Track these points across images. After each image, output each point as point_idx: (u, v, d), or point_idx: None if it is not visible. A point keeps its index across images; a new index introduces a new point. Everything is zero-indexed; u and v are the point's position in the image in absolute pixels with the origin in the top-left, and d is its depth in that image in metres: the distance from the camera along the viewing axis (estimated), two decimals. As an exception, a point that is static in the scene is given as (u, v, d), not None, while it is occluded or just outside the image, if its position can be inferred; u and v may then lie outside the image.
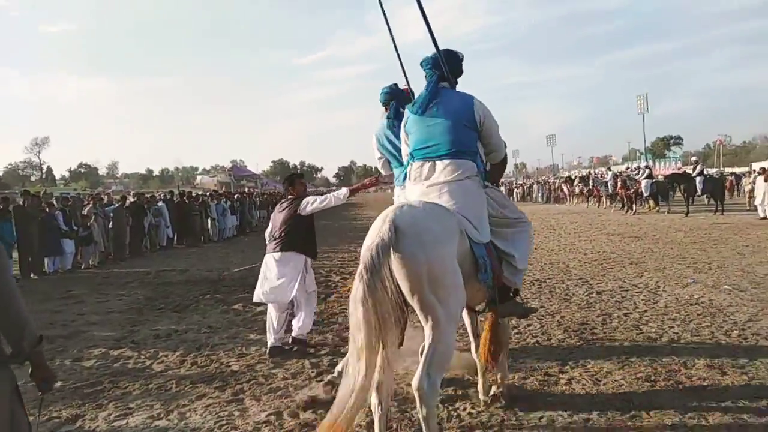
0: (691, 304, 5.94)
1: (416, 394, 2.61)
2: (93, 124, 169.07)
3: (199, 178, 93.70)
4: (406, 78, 4.10)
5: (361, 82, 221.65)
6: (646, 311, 5.77)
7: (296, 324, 5.03)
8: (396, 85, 4.15)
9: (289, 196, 5.26)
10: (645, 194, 20.14)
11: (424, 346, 2.71)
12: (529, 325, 5.39)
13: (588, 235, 13.63)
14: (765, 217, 15.18)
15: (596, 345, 4.67)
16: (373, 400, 2.67)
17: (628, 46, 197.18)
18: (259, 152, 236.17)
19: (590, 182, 26.98)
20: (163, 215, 15.37)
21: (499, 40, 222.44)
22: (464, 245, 2.85)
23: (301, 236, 5.02)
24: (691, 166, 20.54)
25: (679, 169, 33.24)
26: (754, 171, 20.20)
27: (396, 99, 4.04)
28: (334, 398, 2.69)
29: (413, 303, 2.67)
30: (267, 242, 5.21)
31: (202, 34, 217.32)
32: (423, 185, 3.10)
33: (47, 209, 11.57)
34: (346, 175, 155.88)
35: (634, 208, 20.32)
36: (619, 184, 21.25)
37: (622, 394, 3.57)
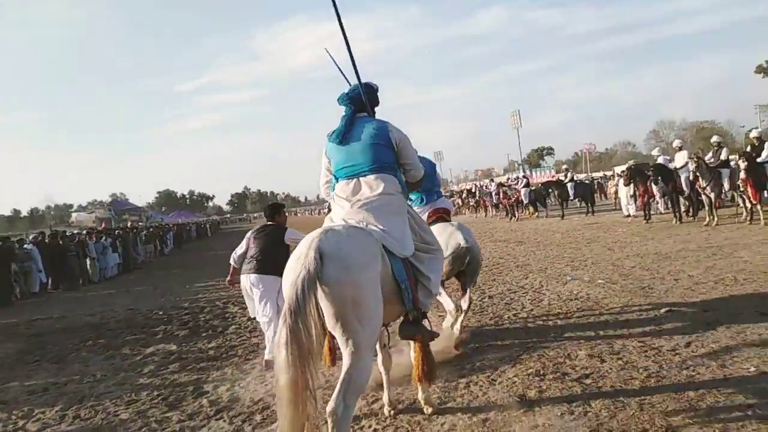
0: (571, 300, 6.45)
1: (329, 419, 2.57)
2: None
3: (74, 215, 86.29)
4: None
5: (249, 108, 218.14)
6: (532, 310, 6.17)
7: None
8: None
9: (269, 223, 5.45)
10: (525, 201, 21.69)
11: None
12: (428, 336, 5.53)
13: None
14: (628, 215, 16.94)
15: (491, 347, 4.90)
16: None
17: (501, 66, 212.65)
18: (143, 184, 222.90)
19: (476, 194, 28.54)
20: (34, 259, 13.89)
21: (386, 64, 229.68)
22: (386, 268, 2.92)
23: (280, 262, 4.89)
24: (563, 174, 22.46)
25: (552, 176, 36.21)
26: (616, 174, 22.55)
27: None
28: None
29: (336, 329, 2.69)
30: (235, 263, 5.35)
31: (70, 63, 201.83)
32: (349, 204, 3.18)
33: None
34: (240, 201, 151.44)
35: (516, 215, 21.77)
36: (501, 194, 22.73)
37: (516, 390, 3.78)
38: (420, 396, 3.60)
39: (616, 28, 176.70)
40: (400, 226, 3.13)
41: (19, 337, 8.15)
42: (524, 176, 25.78)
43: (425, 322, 3.24)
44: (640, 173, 15.27)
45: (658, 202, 15.65)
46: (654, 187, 14.07)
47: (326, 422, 2.61)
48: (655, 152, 15.93)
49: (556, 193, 20.61)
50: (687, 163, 12.78)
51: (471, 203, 30.70)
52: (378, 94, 3.57)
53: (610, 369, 4.00)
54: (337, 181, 3.37)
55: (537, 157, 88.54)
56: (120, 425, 4.02)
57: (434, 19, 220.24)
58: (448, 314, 5.09)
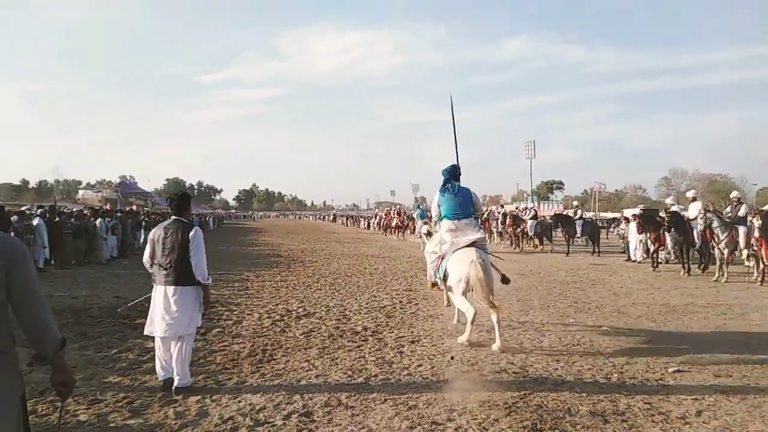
0: (574, 345, 6.11)
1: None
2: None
3: (81, 192, 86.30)
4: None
5: (266, 107, 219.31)
6: (532, 351, 5.83)
7: (178, 369, 4.43)
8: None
9: (174, 217, 4.65)
10: (531, 233, 21.34)
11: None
12: (419, 366, 5.21)
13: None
14: (633, 260, 16.57)
15: (485, 388, 4.56)
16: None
17: (518, 96, 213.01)
18: (153, 169, 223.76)
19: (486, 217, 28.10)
20: (39, 233, 13.57)
21: (403, 78, 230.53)
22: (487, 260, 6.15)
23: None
24: (572, 210, 22.13)
25: (561, 211, 35.87)
26: (624, 218, 22.13)
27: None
28: None
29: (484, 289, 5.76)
30: (151, 270, 4.60)
31: (98, 41, 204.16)
32: (457, 233, 6.19)
33: None
34: (247, 198, 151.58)
35: (521, 245, 21.42)
36: (508, 221, 22.36)
37: (509, 444, 3.45)
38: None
39: (636, 72, 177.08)
40: (484, 240, 6.43)
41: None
42: (533, 207, 25.45)
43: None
44: (652, 221, 14.94)
45: (669, 252, 15.32)
46: (666, 236, 13.72)
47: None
48: (669, 200, 15.56)
49: (563, 228, 20.28)
50: (700, 215, 12.46)
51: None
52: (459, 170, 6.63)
53: None
54: (442, 218, 6.43)
55: (546, 190, 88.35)
56: (76, 428, 3.70)
57: (459, 40, 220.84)
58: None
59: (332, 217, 78.08)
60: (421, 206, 25.89)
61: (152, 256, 4.58)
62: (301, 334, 6.57)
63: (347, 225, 60.31)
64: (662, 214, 14.87)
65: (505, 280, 6.58)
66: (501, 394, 4.40)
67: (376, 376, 4.93)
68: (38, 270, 12.88)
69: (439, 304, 8.34)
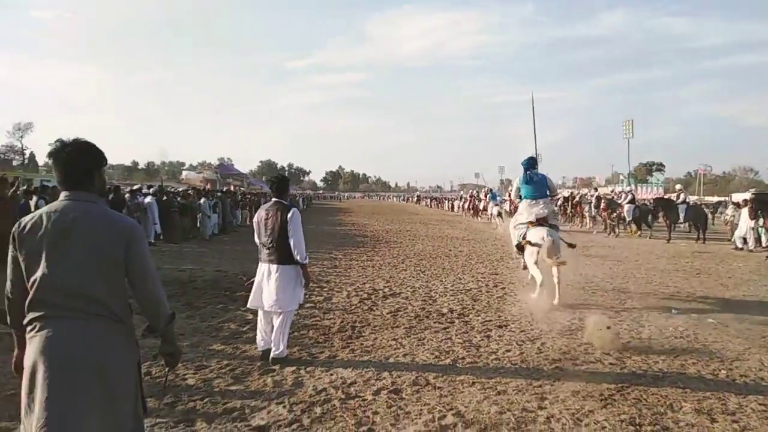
0: (676, 338, 5.74)
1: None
2: (81, 112, 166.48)
3: (184, 173, 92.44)
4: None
5: (352, 90, 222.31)
6: (629, 342, 5.55)
7: (276, 341, 4.72)
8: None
9: (274, 199, 4.88)
10: (627, 218, 20.11)
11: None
12: (508, 351, 5.14)
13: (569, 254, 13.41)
14: (741, 248, 15.20)
15: (579, 378, 4.41)
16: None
17: (615, 73, 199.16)
18: (248, 152, 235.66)
19: (577, 201, 26.85)
20: (151, 210, 14.80)
21: (490, 58, 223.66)
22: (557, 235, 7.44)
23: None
24: (675, 194, 20.59)
25: (662, 195, 33.48)
26: (733, 203, 20.21)
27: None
28: None
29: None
30: (259, 249, 4.87)
31: (195, 32, 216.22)
32: (533, 209, 7.50)
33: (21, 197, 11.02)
34: (333, 179, 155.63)
35: (616, 231, 20.29)
36: (602, 205, 21.19)
37: (605, 437, 3.32)
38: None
39: (748, 44, 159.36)
40: (555, 216, 8.09)
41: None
42: (630, 191, 23.96)
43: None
44: (766, 205, 13.56)
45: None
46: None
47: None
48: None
49: (664, 213, 18.94)
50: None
51: (567, 210, 29.02)
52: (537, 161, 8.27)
53: (723, 432, 3.41)
54: (522, 200, 7.83)
55: (645, 172, 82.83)
56: (185, 391, 4.03)
57: (548, 17, 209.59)
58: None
59: (416, 198, 78.11)
60: (493, 190, 30.17)
61: (258, 236, 4.85)
62: (388, 313, 6.69)
63: (431, 207, 60.15)
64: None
65: (571, 246, 7.80)
66: (596, 385, 4.23)
67: (463, 359, 4.92)
68: (150, 245, 14.07)
69: (526, 289, 8.14)
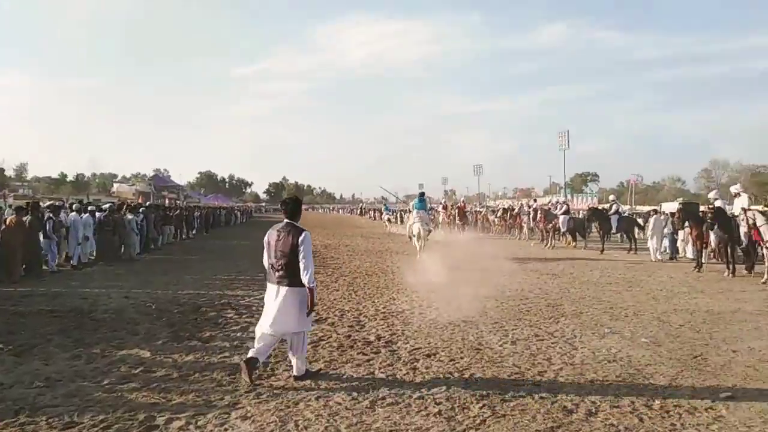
0: (609, 361, 5.46)
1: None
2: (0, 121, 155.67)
3: (116, 186, 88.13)
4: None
5: (297, 100, 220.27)
6: (561, 368, 5.22)
7: (295, 362, 4.90)
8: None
9: (286, 221, 4.85)
10: (563, 229, 20.41)
11: None
12: (434, 387, 4.66)
13: (506, 269, 13.26)
14: (661, 259, 15.73)
15: (504, 418, 3.99)
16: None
17: (554, 85, 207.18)
18: (187, 163, 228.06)
19: (515, 212, 27.18)
20: (76, 229, 13.42)
21: (435, 70, 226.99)
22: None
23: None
24: (609, 204, 21.08)
25: (596, 205, 34.53)
26: (664, 212, 20.88)
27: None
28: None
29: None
30: (268, 271, 4.86)
31: (130, 36, 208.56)
32: (419, 216, 15.34)
33: None
34: (277, 191, 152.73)
35: (551, 242, 20.54)
36: (539, 216, 21.44)
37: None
38: None
39: (675, 60, 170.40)
40: (428, 219, 16.76)
41: (2, 314, 7.60)
42: (564, 202, 24.37)
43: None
44: (693, 216, 13.96)
45: (711, 249, 14.35)
46: (711, 234, 12.76)
47: None
48: (712, 195, 14.40)
49: (598, 224, 19.33)
50: (740, 215, 11.51)
51: (507, 220, 29.39)
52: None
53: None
54: (411, 211, 17.21)
55: (581, 183, 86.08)
56: None
57: (493, 29, 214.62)
58: None
59: (359, 210, 77.56)
60: (386, 204, 44.87)
61: (267, 257, 4.83)
62: (308, 344, 6.09)
63: (375, 219, 59.81)
64: (704, 208, 13.89)
65: (429, 231, 15.69)
66: (524, 424, 3.82)
67: (384, 398, 4.40)
68: (73, 268, 12.80)
69: (459, 310, 7.77)
